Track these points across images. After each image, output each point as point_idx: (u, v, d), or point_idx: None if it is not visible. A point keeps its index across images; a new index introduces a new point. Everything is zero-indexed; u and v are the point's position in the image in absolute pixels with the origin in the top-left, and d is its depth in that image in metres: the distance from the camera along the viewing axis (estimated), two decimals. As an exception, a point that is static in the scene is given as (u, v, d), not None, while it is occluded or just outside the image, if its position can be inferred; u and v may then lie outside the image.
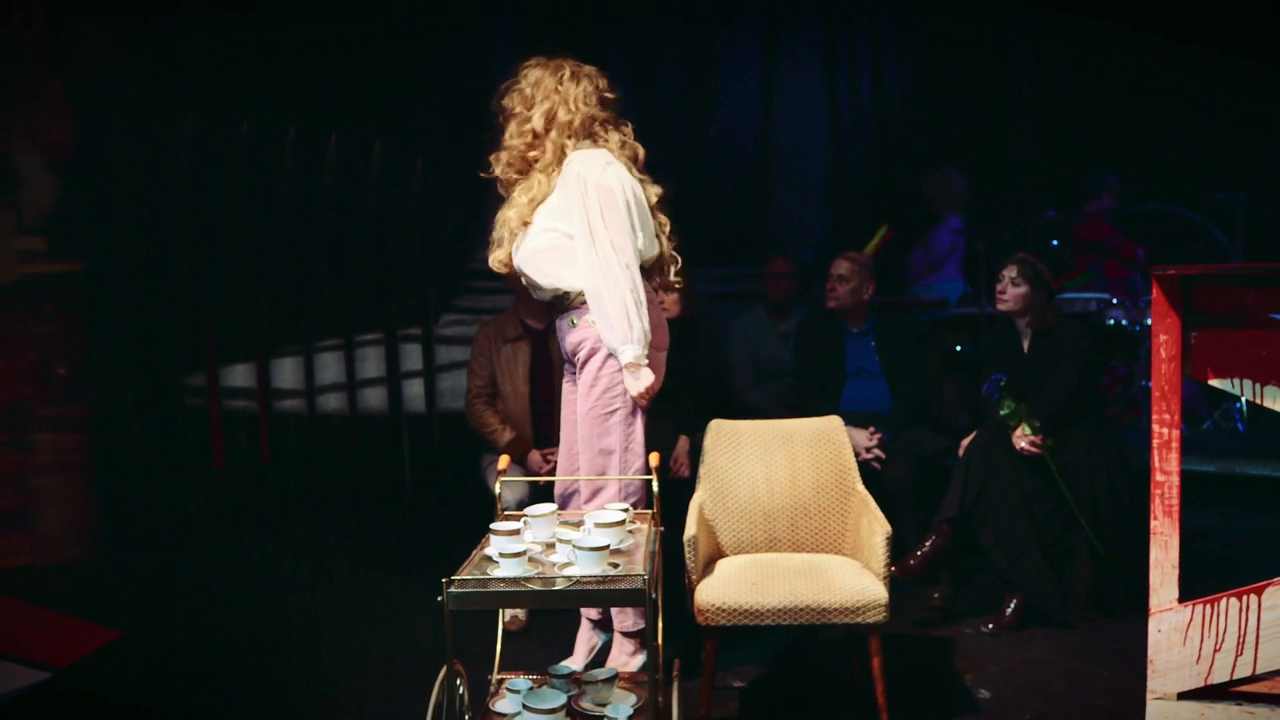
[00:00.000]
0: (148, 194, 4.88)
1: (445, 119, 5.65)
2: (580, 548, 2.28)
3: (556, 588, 2.24)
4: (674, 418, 4.02)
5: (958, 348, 5.73)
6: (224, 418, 5.21)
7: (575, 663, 3.14)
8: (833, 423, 3.25)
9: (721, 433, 3.26)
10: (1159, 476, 2.68)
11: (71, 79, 4.59)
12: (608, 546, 2.32)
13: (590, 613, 3.21)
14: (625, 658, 3.08)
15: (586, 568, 2.27)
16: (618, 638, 3.12)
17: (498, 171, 3.13)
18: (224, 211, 5.12)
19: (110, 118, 4.70)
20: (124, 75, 4.73)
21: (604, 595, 2.32)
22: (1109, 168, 6.65)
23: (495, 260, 3.17)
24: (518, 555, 2.29)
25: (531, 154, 3.07)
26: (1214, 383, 2.66)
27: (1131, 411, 6.35)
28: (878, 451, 3.97)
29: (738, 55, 7.29)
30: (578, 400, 3.07)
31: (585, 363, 3.02)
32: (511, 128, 3.09)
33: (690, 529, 2.87)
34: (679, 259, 3.22)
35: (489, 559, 2.37)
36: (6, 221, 4.52)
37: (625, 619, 3.09)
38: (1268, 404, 2.61)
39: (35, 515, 4.57)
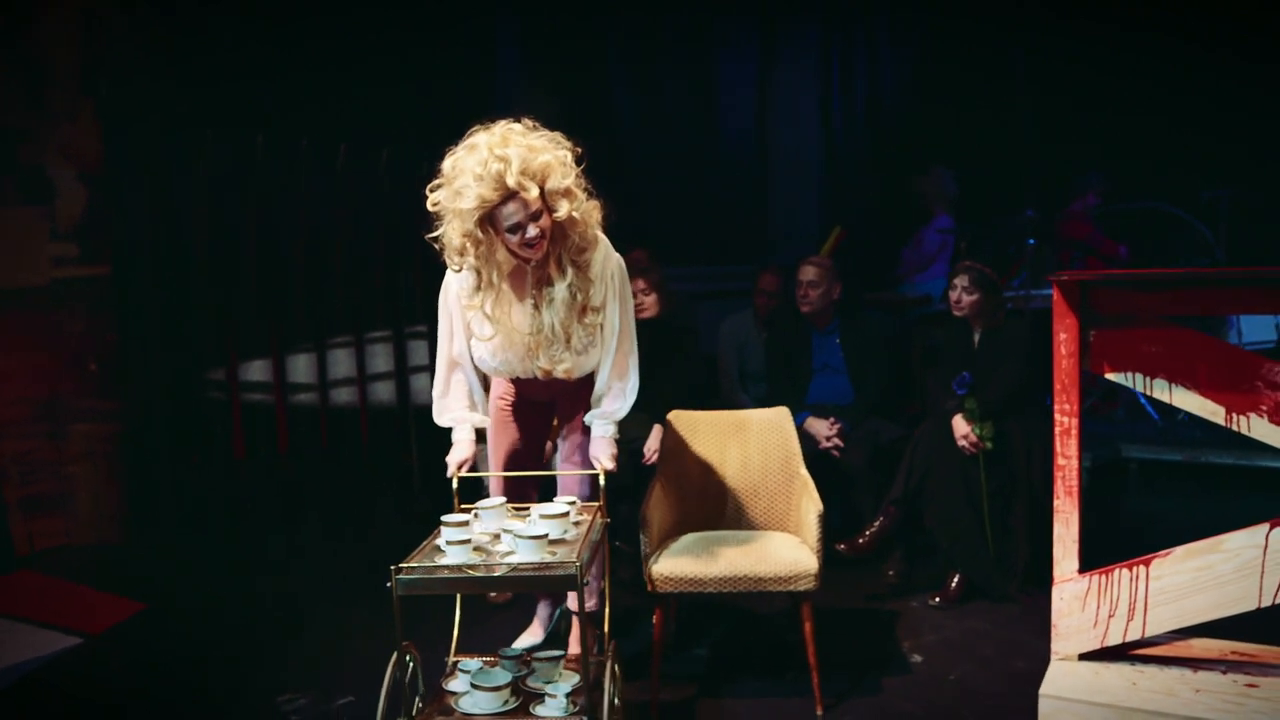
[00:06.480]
0: (171, 201, 5.21)
1: (448, 126, 5.94)
2: (521, 536, 2.49)
3: (496, 574, 2.42)
4: (650, 410, 4.33)
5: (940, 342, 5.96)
6: (243, 410, 5.55)
7: (535, 635, 3.44)
8: (780, 413, 3.56)
9: (680, 422, 3.58)
10: (1060, 461, 2.95)
11: (100, 95, 4.96)
12: (546, 535, 2.52)
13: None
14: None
15: (526, 555, 2.46)
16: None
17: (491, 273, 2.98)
18: (242, 217, 5.44)
19: (136, 131, 5.02)
20: (148, 90, 5.05)
21: (539, 580, 2.49)
22: (1094, 166, 6.86)
23: (564, 371, 2.96)
24: (463, 543, 2.50)
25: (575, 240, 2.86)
26: (1110, 376, 2.93)
27: (1110, 404, 6.58)
28: (837, 440, 4.27)
29: (735, 61, 7.54)
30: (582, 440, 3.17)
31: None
32: (559, 201, 2.80)
33: (645, 507, 3.19)
34: None
35: (438, 548, 2.57)
36: (41, 229, 4.88)
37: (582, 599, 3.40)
38: (1156, 395, 2.88)
39: (70, 500, 4.94)
